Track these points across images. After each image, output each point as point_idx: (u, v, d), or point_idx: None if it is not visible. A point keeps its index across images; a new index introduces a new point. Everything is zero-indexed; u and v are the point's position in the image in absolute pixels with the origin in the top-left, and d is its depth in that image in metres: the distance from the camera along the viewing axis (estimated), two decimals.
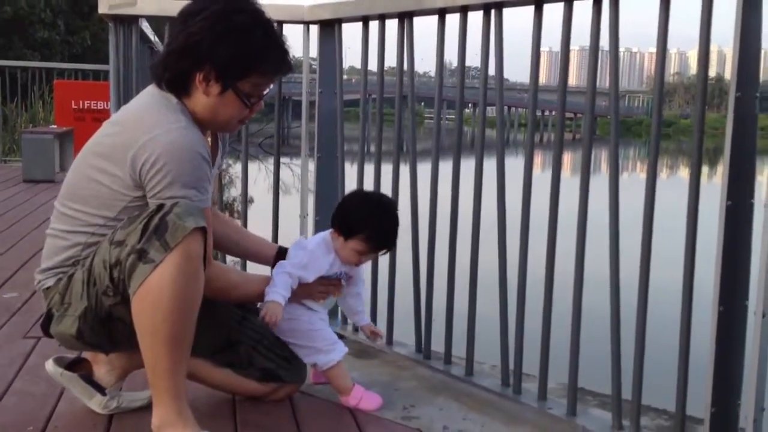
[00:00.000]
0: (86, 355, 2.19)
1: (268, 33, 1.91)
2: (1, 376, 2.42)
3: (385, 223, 2.23)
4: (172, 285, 1.74)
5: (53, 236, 1.96)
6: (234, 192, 9.60)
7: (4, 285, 3.56)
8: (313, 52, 3.02)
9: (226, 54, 1.85)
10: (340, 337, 2.98)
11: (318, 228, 3.03)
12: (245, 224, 3.21)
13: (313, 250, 2.22)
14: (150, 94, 1.94)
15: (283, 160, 3.37)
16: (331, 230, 2.26)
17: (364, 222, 2.19)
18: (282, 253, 2.31)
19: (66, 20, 21.29)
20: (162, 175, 1.79)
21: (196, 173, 1.82)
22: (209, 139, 2.05)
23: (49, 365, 2.15)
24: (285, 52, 1.95)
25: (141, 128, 1.83)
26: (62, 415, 2.15)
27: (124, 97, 3.01)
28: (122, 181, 1.83)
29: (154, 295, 1.74)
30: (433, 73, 2.58)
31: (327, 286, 2.26)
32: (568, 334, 2.19)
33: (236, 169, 3.17)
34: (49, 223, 1.99)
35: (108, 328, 1.89)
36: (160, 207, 1.77)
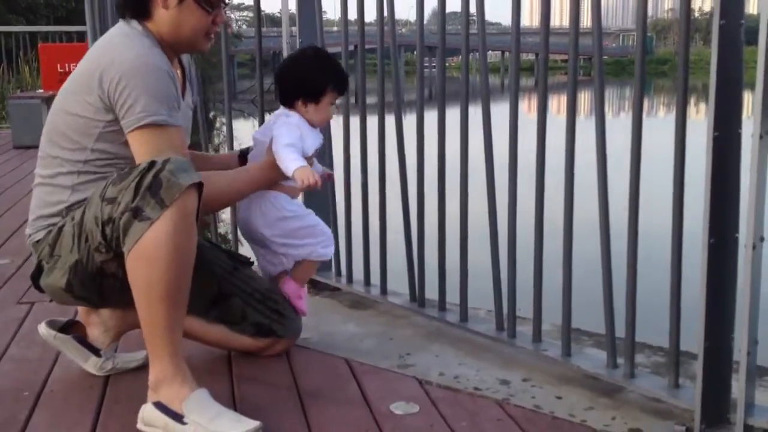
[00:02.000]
0: (80, 317, 2.19)
1: None
2: None
3: (338, 66, 2.29)
4: (168, 242, 1.73)
5: (38, 185, 1.99)
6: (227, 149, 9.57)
7: None
8: (292, 5, 2.96)
9: None
10: (334, 289, 3.00)
11: None
12: None
13: (299, 124, 2.18)
14: (115, 27, 1.98)
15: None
16: (292, 112, 2.20)
17: (326, 76, 2.21)
18: (243, 156, 2.33)
19: None
20: (129, 90, 1.82)
21: (162, 89, 1.85)
22: (178, 72, 2.05)
23: (42, 328, 2.15)
24: None
25: (106, 53, 1.88)
26: (58, 379, 2.17)
27: None
28: (93, 106, 1.86)
29: (151, 252, 1.74)
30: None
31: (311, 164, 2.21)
32: (561, 276, 2.19)
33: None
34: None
35: (98, 282, 1.90)
36: (152, 164, 1.76)
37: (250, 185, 2.15)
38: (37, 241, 1.95)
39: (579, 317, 2.29)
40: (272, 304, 2.26)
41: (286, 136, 2.10)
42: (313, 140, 2.20)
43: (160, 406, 1.81)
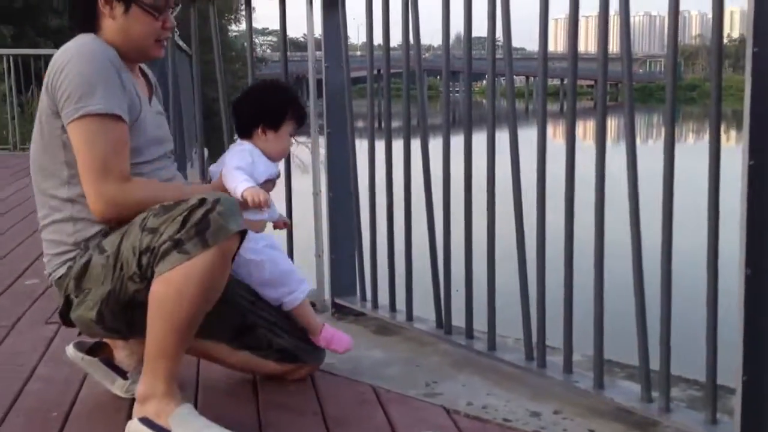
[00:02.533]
0: (105, 339, 2.18)
1: None
2: (24, 362, 2.43)
3: (296, 96, 2.28)
4: (200, 278, 1.76)
5: (42, 228, 1.98)
6: None
7: (26, 272, 3.56)
8: (318, 30, 2.96)
9: None
10: (359, 314, 2.98)
11: (332, 204, 3.00)
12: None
13: (251, 150, 2.15)
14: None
15: (302, 139, 3.32)
16: (246, 141, 2.17)
17: (286, 104, 2.19)
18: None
19: None
20: (66, 82, 1.80)
21: (101, 73, 1.82)
22: (141, 79, 2.05)
23: (70, 350, 2.17)
24: None
25: (53, 60, 1.87)
26: (85, 399, 2.16)
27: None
28: (49, 116, 1.86)
29: (180, 284, 1.75)
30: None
31: (268, 188, 2.17)
32: (592, 304, 2.14)
33: None
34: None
35: (129, 312, 1.89)
36: (203, 201, 1.77)
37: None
38: (60, 278, 1.94)
39: (611, 347, 2.23)
40: (296, 332, 2.25)
41: (236, 161, 2.08)
42: (265, 167, 2.15)
43: (146, 422, 1.82)
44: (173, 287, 1.76)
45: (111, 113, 1.81)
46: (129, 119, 1.88)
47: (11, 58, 9.98)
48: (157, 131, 2.02)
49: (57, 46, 2.05)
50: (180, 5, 2.02)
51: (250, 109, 2.17)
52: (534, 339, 2.34)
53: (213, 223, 1.75)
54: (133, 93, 1.92)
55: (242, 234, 1.82)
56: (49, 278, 1.99)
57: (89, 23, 1.93)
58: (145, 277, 1.81)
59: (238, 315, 2.16)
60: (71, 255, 1.92)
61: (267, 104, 2.16)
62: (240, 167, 2.03)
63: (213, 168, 2.21)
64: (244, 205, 1.94)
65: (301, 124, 2.23)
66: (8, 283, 3.33)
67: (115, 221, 1.88)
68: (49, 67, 1.86)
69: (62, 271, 1.93)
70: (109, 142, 1.81)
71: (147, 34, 1.95)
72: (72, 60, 1.82)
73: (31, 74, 9.93)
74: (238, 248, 1.84)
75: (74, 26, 1.96)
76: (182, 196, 1.85)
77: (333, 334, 2.26)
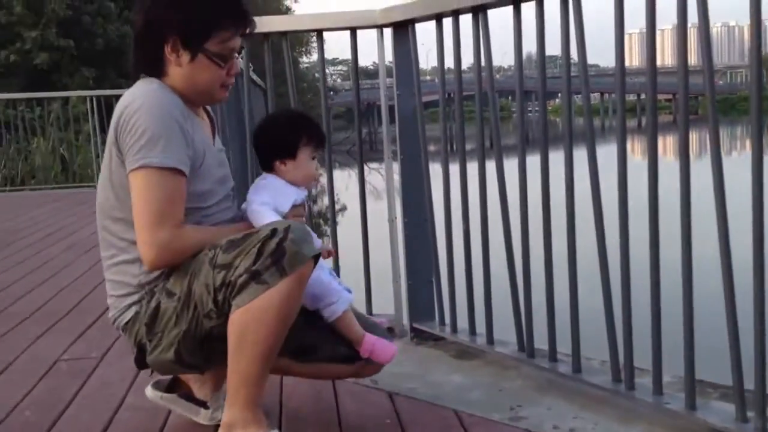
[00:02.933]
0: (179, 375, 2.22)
1: None
2: (113, 392, 2.50)
3: (308, 119, 2.21)
4: (279, 306, 1.78)
5: (106, 268, 1.99)
6: (327, 200, 9.68)
7: None
8: (389, 55, 2.99)
9: (183, 19, 1.89)
10: (438, 338, 2.96)
11: (408, 230, 3.01)
12: (334, 231, 3.21)
13: (270, 184, 2.11)
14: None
15: (372, 165, 3.35)
16: (270, 174, 2.14)
17: (297, 131, 2.13)
18: None
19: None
20: (130, 135, 1.82)
21: (165, 126, 1.83)
22: (204, 118, 2.06)
23: (149, 392, 2.22)
24: (238, 2, 1.96)
25: (120, 104, 1.89)
26: (174, 427, 2.20)
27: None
28: (118, 158, 1.87)
29: (261, 314, 1.78)
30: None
31: (298, 215, 2.12)
32: (681, 322, 2.08)
33: (325, 177, 3.23)
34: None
35: (205, 347, 1.91)
36: (275, 231, 1.79)
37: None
38: (126, 323, 1.96)
39: (702, 367, 2.16)
40: None
41: (258, 197, 2.06)
42: (288, 196, 2.11)
43: None
44: (254, 317, 1.78)
45: (169, 167, 1.83)
46: (193, 167, 1.90)
47: (94, 99, 10.40)
48: (220, 170, 2.04)
49: None
50: (245, 48, 2.05)
51: (265, 144, 2.16)
52: (621, 360, 2.28)
53: (288, 251, 1.77)
54: (198, 141, 1.93)
55: (316, 258, 1.84)
56: (114, 322, 2.00)
57: (155, 68, 1.95)
58: (223, 313, 1.83)
59: (298, 334, 2.14)
60: (135, 298, 1.94)
61: (278, 136, 2.14)
62: (264, 203, 2.03)
63: (243, 206, 2.16)
64: None
65: (320, 145, 2.18)
66: (96, 316, 3.44)
67: (164, 267, 1.89)
68: (118, 112, 1.88)
69: (128, 316, 1.95)
70: (165, 193, 1.83)
71: (212, 82, 1.96)
72: (139, 111, 1.83)
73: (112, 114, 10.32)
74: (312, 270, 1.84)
75: (139, 71, 1.97)
76: (231, 236, 1.86)
77: (374, 343, 2.10)
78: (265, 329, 1.79)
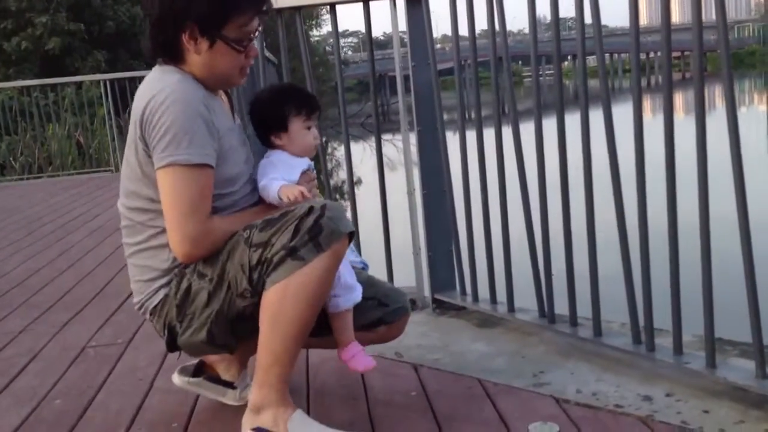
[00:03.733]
0: (203, 358, 2.25)
1: None
2: (142, 376, 2.54)
3: (292, 90, 2.17)
4: (317, 282, 1.80)
5: (133, 253, 1.99)
6: (342, 174, 9.66)
7: None
8: (402, 25, 2.98)
9: (199, 6, 1.87)
10: (460, 308, 2.98)
11: (426, 201, 3.02)
12: (353, 204, 3.22)
13: (274, 160, 2.08)
14: (151, 72, 1.98)
15: (385, 136, 3.35)
16: (271, 151, 2.11)
17: (283, 104, 2.09)
18: None
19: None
20: (156, 130, 1.82)
21: (192, 121, 1.83)
22: (223, 97, 2.05)
23: (175, 378, 2.25)
24: None
25: (142, 97, 1.88)
26: (203, 409, 2.24)
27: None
28: (144, 151, 1.87)
29: (298, 291, 1.79)
30: (527, 30, 2.49)
31: (310, 181, 2.10)
32: (699, 282, 2.09)
33: (341, 151, 3.23)
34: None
35: (237, 326, 1.92)
36: (311, 209, 1.80)
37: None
38: (155, 307, 1.97)
39: (721, 325, 2.17)
40: (371, 302, 2.16)
41: (263, 178, 2.03)
42: (294, 168, 2.08)
43: None
44: (290, 294, 1.79)
45: (196, 164, 1.84)
46: (220, 153, 1.90)
47: (107, 83, 10.42)
48: (243, 150, 2.04)
49: (149, 67, 2.06)
50: (261, 27, 2.03)
51: (257, 121, 2.15)
52: (641, 322, 2.30)
53: (325, 228, 1.79)
54: (222, 127, 1.93)
55: (350, 235, 1.85)
56: (140, 308, 2.02)
57: (173, 55, 1.93)
58: (257, 292, 1.84)
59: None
60: (162, 282, 1.95)
61: (266, 112, 2.11)
62: (273, 178, 2.01)
63: (260, 170, 2.11)
64: (282, 204, 1.92)
65: (311, 111, 2.12)
66: (120, 302, 3.48)
67: (198, 260, 1.90)
68: (141, 106, 1.86)
69: (157, 299, 1.97)
70: (193, 189, 1.84)
71: (232, 67, 1.95)
72: (163, 106, 1.82)
73: (127, 96, 10.33)
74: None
75: (155, 57, 1.96)
76: (259, 218, 1.88)
77: (356, 353, 2.06)
78: (300, 306, 1.80)
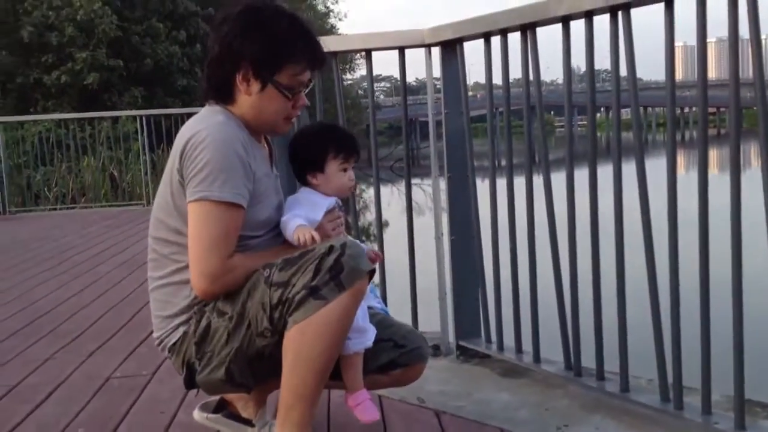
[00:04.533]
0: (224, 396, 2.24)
1: (293, 22, 1.96)
2: (164, 410, 2.53)
3: (335, 131, 2.18)
4: (339, 322, 1.81)
5: (156, 288, 2.01)
6: (369, 216, 9.69)
7: None
8: (436, 72, 3.01)
9: (257, 49, 1.91)
10: (484, 356, 2.95)
11: (454, 248, 3.02)
12: (381, 247, 3.23)
13: (299, 198, 2.09)
14: (199, 112, 2.02)
15: (414, 181, 3.37)
16: (304, 187, 2.12)
17: (323, 144, 2.10)
18: None
19: (203, 67, 22.46)
20: (194, 165, 1.85)
21: (229, 161, 1.86)
22: (265, 146, 2.07)
23: (196, 414, 2.25)
24: (313, 38, 1.99)
25: (186, 132, 1.91)
26: None
27: None
28: (180, 184, 1.89)
29: (321, 329, 1.79)
30: (560, 81, 2.51)
31: (334, 220, 2.10)
32: (730, 341, 2.05)
33: (369, 193, 3.23)
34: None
35: (256, 365, 1.92)
36: (331, 248, 1.81)
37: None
38: (174, 344, 1.98)
39: (752, 386, 2.13)
40: (387, 343, 2.13)
41: (286, 213, 2.03)
42: (319, 207, 2.08)
43: None
44: (312, 333, 1.79)
45: (227, 201, 1.86)
46: (254, 195, 1.92)
47: (143, 118, 10.61)
48: (276, 198, 2.06)
49: (185, 104, 2.13)
50: (313, 82, 2.07)
51: (295, 159, 2.16)
52: (670, 379, 2.26)
53: (346, 267, 1.79)
54: (259, 172, 1.96)
55: (371, 273, 1.86)
56: (159, 344, 2.03)
57: (225, 95, 1.98)
58: (277, 331, 1.84)
59: None
60: (182, 318, 1.97)
61: (305, 151, 2.12)
62: (296, 215, 2.01)
63: (286, 208, 2.12)
64: (295, 244, 1.92)
65: (350, 153, 2.12)
66: (147, 334, 3.49)
67: (216, 297, 1.91)
68: (183, 139, 1.90)
69: (176, 337, 1.98)
70: (220, 227, 1.86)
71: (279, 113, 1.99)
72: (204, 142, 1.86)
73: (162, 132, 10.51)
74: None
75: (209, 97, 2.00)
76: (283, 255, 1.88)
77: (362, 401, 2.03)
78: (322, 344, 1.80)
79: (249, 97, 1.95)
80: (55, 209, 10.70)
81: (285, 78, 1.94)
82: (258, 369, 1.93)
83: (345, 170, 2.10)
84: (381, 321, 2.09)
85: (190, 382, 1.99)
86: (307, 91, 2.03)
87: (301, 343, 1.81)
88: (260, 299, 1.84)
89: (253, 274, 1.88)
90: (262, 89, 1.94)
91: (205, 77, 2.02)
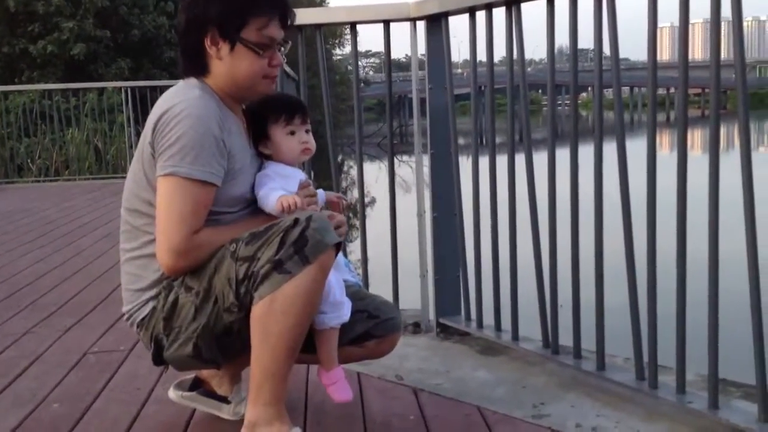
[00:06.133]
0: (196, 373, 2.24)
1: None
2: (141, 385, 2.53)
3: (273, 96, 2.10)
4: (305, 295, 1.78)
5: (127, 260, 1.99)
6: (357, 193, 9.64)
7: None
8: (421, 48, 2.99)
9: (218, 8, 1.91)
10: (464, 334, 2.96)
11: (436, 224, 3.01)
12: (363, 224, 3.22)
13: (270, 169, 2.04)
14: (174, 86, 2.00)
15: (402, 157, 3.36)
16: (266, 162, 2.06)
17: (261, 110, 2.05)
18: None
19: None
20: (165, 139, 1.84)
21: (202, 139, 1.84)
22: (242, 116, 2.05)
23: (171, 393, 2.24)
24: None
25: (161, 105, 1.90)
26: (200, 421, 2.22)
27: None
28: (152, 157, 1.87)
29: (286, 305, 1.77)
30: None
31: (309, 195, 2.06)
32: (705, 320, 2.06)
33: (356, 170, 3.22)
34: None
35: (223, 341, 1.91)
36: (296, 221, 1.80)
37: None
38: (142, 319, 1.96)
39: (725, 366, 2.14)
40: (361, 314, 2.10)
41: (261, 188, 1.99)
42: (291, 177, 2.05)
43: None
44: (278, 308, 1.78)
45: (196, 179, 1.84)
46: (230, 172, 1.90)
47: (129, 90, 10.52)
48: (253, 171, 2.03)
49: (172, 77, 2.11)
50: (290, 42, 2.04)
51: (252, 136, 2.09)
52: (645, 358, 2.27)
53: (310, 239, 1.77)
54: (236, 147, 1.93)
55: (337, 246, 1.84)
56: (128, 318, 2.01)
57: (199, 65, 1.97)
58: (244, 306, 1.83)
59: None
60: (152, 293, 1.95)
61: (252, 125, 2.07)
62: (272, 188, 1.98)
63: (258, 179, 2.07)
64: (281, 214, 1.90)
65: (291, 113, 2.06)
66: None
67: (182, 273, 1.89)
68: (158, 113, 1.88)
69: (144, 312, 1.96)
70: (188, 203, 1.84)
71: (253, 72, 1.96)
72: (178, 117, 1.84)
73: (147, 105, 10.42)
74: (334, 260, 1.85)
75: (186, 70, 1.99)
76: (251, 228, 1.86)
77: (337, 381, 2.02)
78: (289, 320, 1.79)
79: (221, 61, 1.94)
80: (38, 181, 10.63)
81: (252, 34, 1.92)
82: (226, 345, 1.92)
83: (292, 133, 2.04)
84: (354, 293, 2.08)
85: (158, 358, 1.98)
86: (286, 52, 2.00)
87: (266, 318, 1.79)
88: (226, 274, 1.83)
89: (220, 249, 1.86)
90: (232, 49, 1.92)
91: (179, 52, 2.00)
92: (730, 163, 2.12)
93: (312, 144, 2.08)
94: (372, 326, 2.10)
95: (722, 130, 2.10)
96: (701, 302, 2.06)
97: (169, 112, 1.85)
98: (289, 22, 1.99)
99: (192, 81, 1.97)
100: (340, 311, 1.97)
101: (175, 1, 20.87)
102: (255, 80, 1.97)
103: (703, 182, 2.04)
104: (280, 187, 1.97)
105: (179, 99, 1.88)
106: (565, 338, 2.54)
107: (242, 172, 1.96)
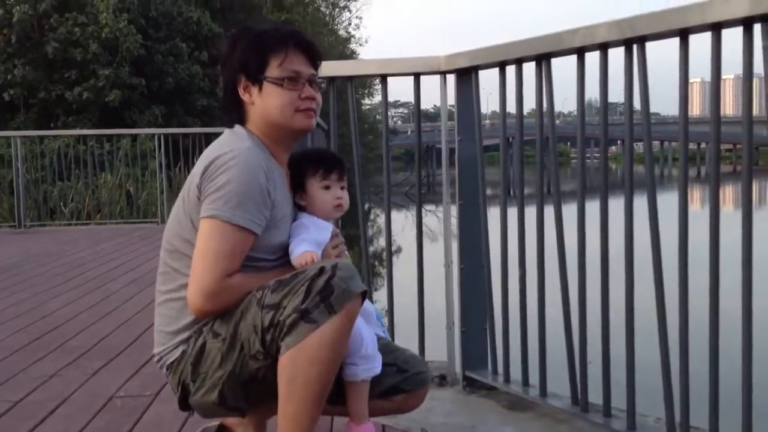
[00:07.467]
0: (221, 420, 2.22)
1: (271, 25, 2.08)
2: (167, 430, 2.53)
3: (314, 150, 2.20)
4: (331, 344, 1.79)
5: (163, 302, 2.00)
6: (382, 241, 9.65)
7: None
8: (451, 99, 3.01)
9: (241, 55, 1.99)
10: (490, 388, 2.92)
11: (463, 276, 3.00)
12: (390, 273, 3.22)
13: (303, 220, 2.05)
14: (223, 134, 2.05)
15: (429, 207, 3.37)
16: (300, 213, 2.07)
17: (301, 162, 2.08)
18: None
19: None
20: (213, 185, 1.87)
21: (249, 187, 1.87)
22: (286, 171, 2.07)
23: None
24: (288, 27, 2.05)
25: (212, 152, 1.94)
26: None
27: None
28: (198, 200, 1.90)
29: (314, 354, 1.78)
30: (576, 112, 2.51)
31: (338, 245, 2.08)
32: (739, 379, 2.02)
33: (383, 218, 3.22)
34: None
35: (249, 389, 1.91)
36: (322, 269, 1.80)
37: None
38: (171, 363, 1.97)
39: (760, 421, 2.08)
40: (390, 368, 2.09)
41: (293, 239, 2.00)
42: (322, 229, 2.06)
43: None
44: (304, 358, 1.78)
45: (236, 224, 1.86)
46: (273, 221, 1.92)
47: (162, 137, 10.68)
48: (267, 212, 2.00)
49: (204, 124, 2.16)
50: (325, 82, 2.09)
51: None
52: (677, 418, 2.22)
53: (336, 289, 1.78)
54: (280, 198, 1.96)
55: (363, 294, 1.84)
56: (158, 360, 2.01)
57: (238, 114, 2.02)
58: (269, 354, 1.83)
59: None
60: (184, 336, 1.95)
61: (291, 175, 2.09)
62: (303, 239, 1.99)
63: (292, 231, 2.08)
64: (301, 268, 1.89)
65: (328, 169, 2.08)
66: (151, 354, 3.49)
67: (210, 315, 1.90)
68: (209, 158, 1.91)
69: (175, 355, 1.96)
70: (225, 246, 1.86)
71: (281, 105, 1.98)
72: (228, 164, 1.88)
73: (179, 151, 10.58)
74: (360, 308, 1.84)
75: (227, 122, 2.04)
76: (279, 276, 1.87)
77: None
78: (315, 369, 1.78)
79: (254, 106, 1.99)
80: (70, 224, 10.76)
81: (274, 71, 1.97)
82: (252, 392, 1.91)
83: (327, 188, 2.06)
84: (384, 346, 2.07)
85: (184, 404, 1.98)
86: (320, 91, 2.04)
87: (294, 368, 1.79)
88: (252, 321, 1.83)
89: (248, 295, 1.87)
90: (260, 90, 1.98)
91: (222, 107, 2.08)
92: (764, 219, 2.09)
93: (346, 201, 2.10)
94: (401, 380, 2.09)
95: (756, 186, 2.08)
96: (735, 361, 2.01)
97: (220, 159, 1.90)
98: (315, 57, 2.04)
99: (240, 131, 2.01)
100: (371, 363, 1.97)
101: (210, 51, 21.30)
102: (286, 114, 1.99)
103: (735, 237, 2.01)
104: (311, 238, 1.98)
105: (230, 147, 1.93)
106: (595, 395, 2.49)
107: (284, 222, 1.98)
